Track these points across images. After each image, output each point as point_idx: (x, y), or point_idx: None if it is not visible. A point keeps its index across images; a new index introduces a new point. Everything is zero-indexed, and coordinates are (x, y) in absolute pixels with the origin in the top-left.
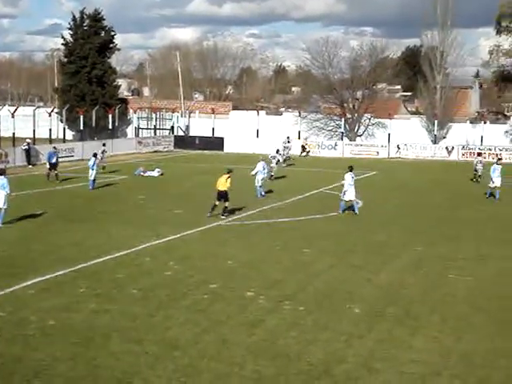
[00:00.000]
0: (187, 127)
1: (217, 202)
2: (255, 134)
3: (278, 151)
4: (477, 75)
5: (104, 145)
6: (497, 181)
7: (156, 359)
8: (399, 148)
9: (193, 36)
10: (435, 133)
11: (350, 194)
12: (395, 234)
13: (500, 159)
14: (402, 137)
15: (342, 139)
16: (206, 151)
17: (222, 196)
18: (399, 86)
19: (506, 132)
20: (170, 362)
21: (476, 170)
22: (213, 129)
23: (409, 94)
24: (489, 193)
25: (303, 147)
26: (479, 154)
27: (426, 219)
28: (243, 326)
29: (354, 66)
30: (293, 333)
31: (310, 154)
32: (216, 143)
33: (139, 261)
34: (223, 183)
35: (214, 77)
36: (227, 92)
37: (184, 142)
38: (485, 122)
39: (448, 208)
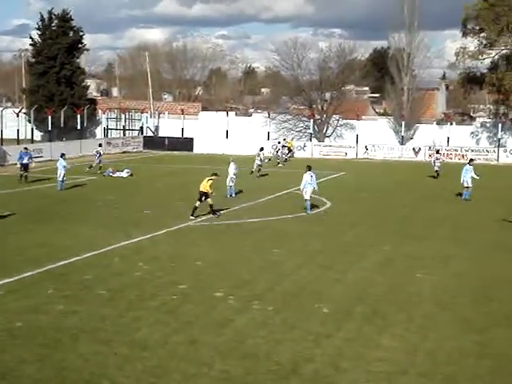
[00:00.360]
0: (156, 128)
1: (197, 204)
2: (225, 135)
3: (261, 149)
4: (443, 77)
5: (100, 145)
6: (468, 181)
7: (125, 360)
8: (367, 149)
9: (162, 37)
10: (402, 134)
11: (307, 194)
12: (363, 233)
13: (472, 160)
14: (370, 138)
15: (310, 140)
16: (175, 152)
17: (203, 196)
18: (367, 88)
19: (472, 133)
20: (138, 362)
21: (434, 166)
22: (182, 129)
23: (376, 95)
24: (465, 194)
25: (289, 149)
26: (437, 152)
27: (394, 219)
28: (212, 326)
29: (323, 68)
30: (261, 332)
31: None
32: (185, 144)
33: (108, 262)
34: (204, 184)
35: (183, 78)
36: (196, 93)
37: (153, 142)
38: (451, 124)
39: (415, 208)
